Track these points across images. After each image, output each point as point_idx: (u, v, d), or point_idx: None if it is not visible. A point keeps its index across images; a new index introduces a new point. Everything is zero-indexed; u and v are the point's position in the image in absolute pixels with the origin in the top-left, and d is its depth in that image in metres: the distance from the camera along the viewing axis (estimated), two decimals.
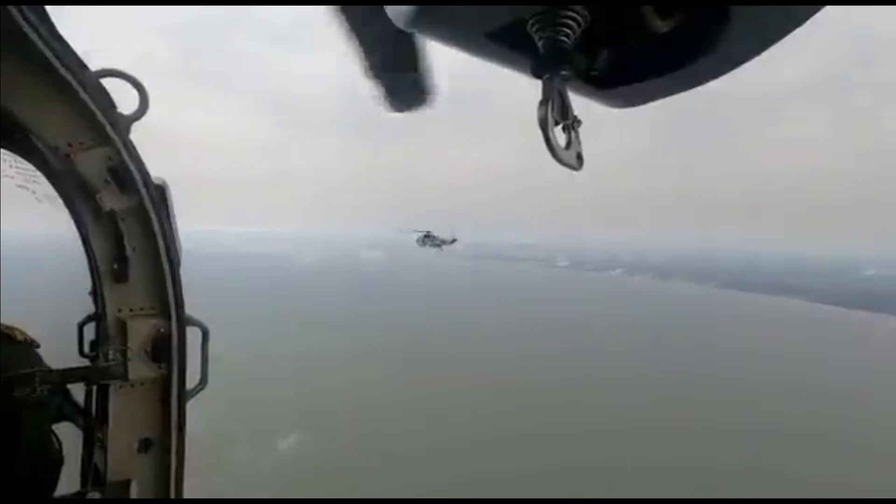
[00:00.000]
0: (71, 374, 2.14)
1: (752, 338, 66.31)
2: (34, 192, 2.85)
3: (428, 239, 79.17)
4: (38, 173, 2.69)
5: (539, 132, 1.22)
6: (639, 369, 50.53)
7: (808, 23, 1.16)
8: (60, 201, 2.64)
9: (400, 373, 46.56)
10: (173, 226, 2.04)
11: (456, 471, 30.74)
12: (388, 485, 28.78)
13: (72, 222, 2.68)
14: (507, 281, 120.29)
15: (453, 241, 79.34)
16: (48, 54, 1.71)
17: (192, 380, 2.12)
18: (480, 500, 28.05)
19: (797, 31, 1.19)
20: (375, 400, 39.64)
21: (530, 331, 64.97)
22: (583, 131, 1.37)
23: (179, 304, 2.02)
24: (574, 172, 1.25)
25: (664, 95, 1.45)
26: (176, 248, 2.00)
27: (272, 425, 34.85)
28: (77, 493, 2.04)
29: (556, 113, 1.18)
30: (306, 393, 40.53)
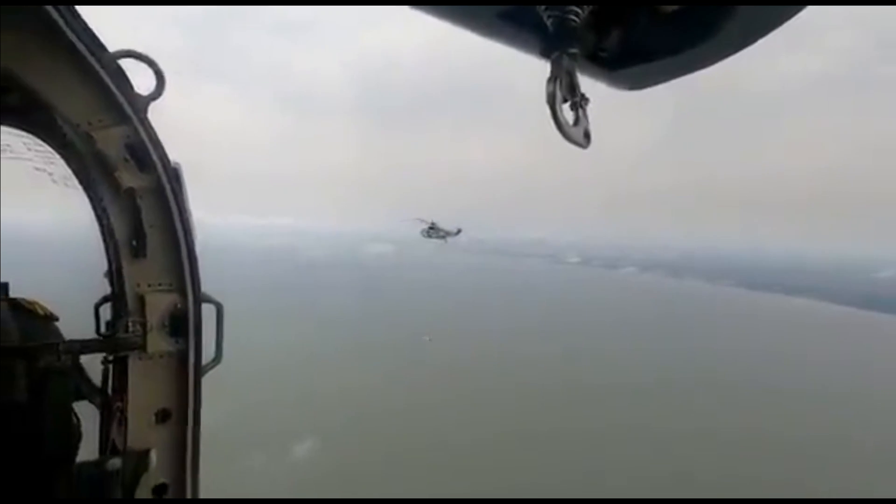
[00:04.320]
0: (93, 344, 2.23)
1: (768, 339, 64.83)
2: (51, 174, 2.92)
3: (432, 231, 78.65)
4: (54, 156, 2.76)
5: (550, 124, 1.24)
6: (654, 372, 49.41)
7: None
8: (75, 183, 2.71)
9: (403, 372, 45.82)
10: (188, 206, 2.09)
11: (467, 474, 30.44)
12: (397, 485, 28.56)
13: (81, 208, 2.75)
14: (515, 278, 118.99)
15: (458, 232, 78.80)
16: (70, 35, 1.77)
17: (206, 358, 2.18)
18: (480, 500, 27.90)
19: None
20: (381, 400, 39.26)
21: (539, 330, 63.69)
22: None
23: (195, 280, 2.08)
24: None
25: (670, 78, 1.47)
26: (191, 227, 2.05)
27: (283, 427, 34.73)
28: (98, 461, 2.12)
29: (564, 90, 1.20)
30: (314, 394, 40.01)
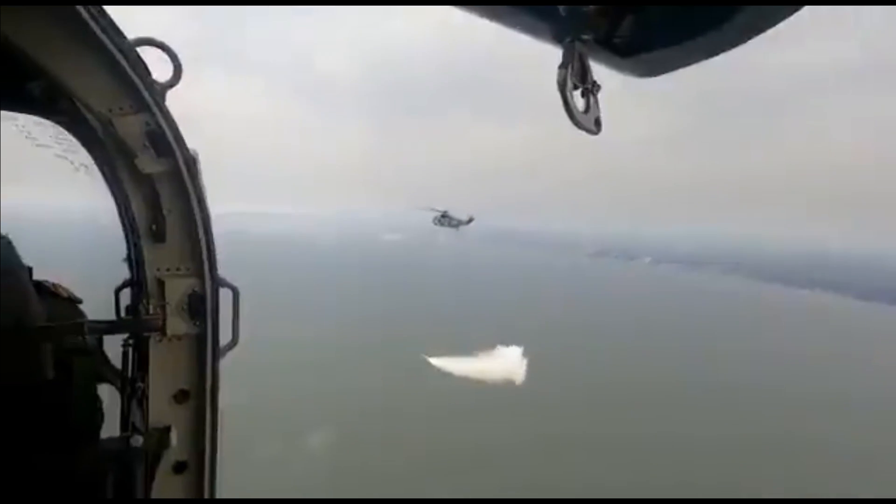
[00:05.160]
0: (116, 325, 2.34)
1: (796, 338, 61.17)
2: (72, 162, 2.99)
3: (444, 219, 78.43)
4: (75, 144, 2.82)
5: (562, 111, 1.24)
6: (676, 374, 47.32)
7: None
8: (95, 170, 2.78)
9: (423, 365, 45.35)
10: (204, 192, 2.14)
11: (481, 470, 29.92)
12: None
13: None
14: (529, 269, 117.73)
15: (469, 220, 78.46)
16: (92, 24, 1.81)
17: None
18: (480, 500, 27.59)
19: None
20: (398, 398, 38.17)
21: (555, 326, 61.24)
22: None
23: (213, 264, 2.14)
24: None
25: (685, 64, 1.45)
26: (208, 212, 2.11)
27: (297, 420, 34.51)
28: (121, 437, 2.20)
29: (575, 77, 1.20)
30: (333, 390, 39.37)
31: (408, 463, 31.15)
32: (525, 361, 44.80)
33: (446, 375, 41.16)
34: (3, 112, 2.58)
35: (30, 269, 2.33)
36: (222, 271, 2.17)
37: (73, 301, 2.39)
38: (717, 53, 1.37)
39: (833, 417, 38.35)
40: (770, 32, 1.38)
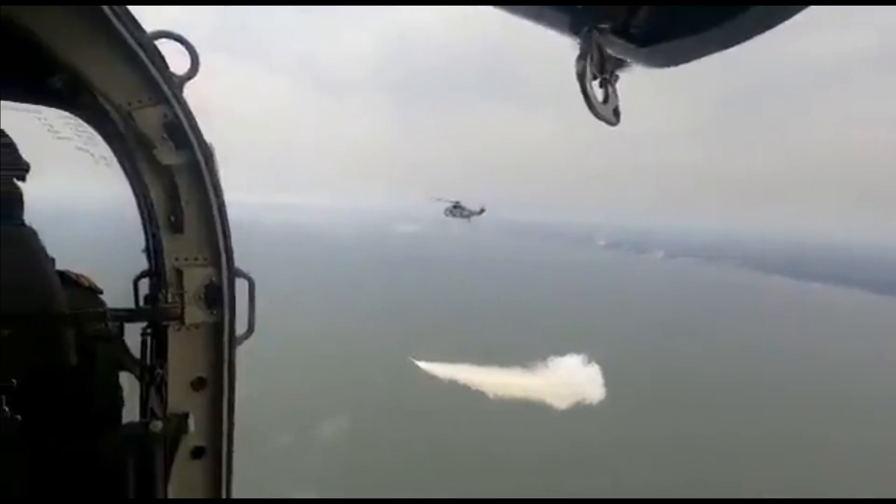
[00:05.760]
0: (136, 313, 2.40)
1: (820, 335, 59.57)
2: (92, 154, 3.04)
3: (456, 210, 78.19)
4: (95, 136, 2.87)
5: (579, 102, 1.23)
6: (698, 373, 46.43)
7: None
8: (114, 162, 2.82)
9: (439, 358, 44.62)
10: (221, 183, 2.17)
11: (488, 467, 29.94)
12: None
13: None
14: (544, 262, 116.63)
15: (481, 211, 78.07)
16: (112, 18, 1.84)
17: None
18: (481, 499, 27.65)
19: None
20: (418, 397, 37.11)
21: (569, 323, 61.36)
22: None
23: (229, 255, 2.18)
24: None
25: (703, 54, 1.42)
26: (224, 204, 2.13)
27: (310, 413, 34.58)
28: (142, 422, 2.26)
29: (594, 67, 1.19)
30: (347, 385, 39.31)
31: (407, 461, 31.10)
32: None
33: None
34: (28, 105, 2.63)
35: (52, 260, 2.38)
36: (237, 262, 2.20)
37: (95, 291, 2.45)
38: (734, 44, 1.34)
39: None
40: (788, 22, 1.35)
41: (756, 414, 39.05)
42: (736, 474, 30.76)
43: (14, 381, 1.93)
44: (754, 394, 42.52)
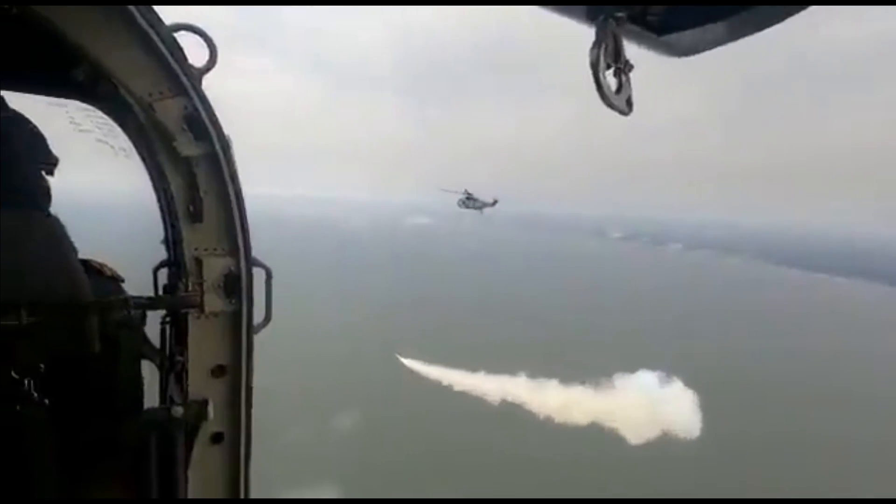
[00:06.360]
0: (158, 301, 2.46)
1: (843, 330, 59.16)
2: (112, 146, 3.09)
3: (469, 201, 78.26)
4: (115, 128, 2.91)
5: (592, 92, 1.22)
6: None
7: None
8: (133, 154, 2.86)
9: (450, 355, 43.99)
10: (238, 174, 2.20)
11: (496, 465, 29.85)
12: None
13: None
14: (557, 255, 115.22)
15: (494, 202, 78.11)
16: (133, 10, 1.88)
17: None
18: (480, 499, 27.63)
19: None
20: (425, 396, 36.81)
21: (589, 320, 59.86)
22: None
23: (247, 245, 2.22)
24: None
25: (722, 43, 1.40)
26: (242, 194, 2.17)
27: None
28: (163, 408, 2.32)
29: (608, 56, 1.18)
30: (359, 381, 39.39)
31: (408, 460, 31.35)
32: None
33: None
34: (51, 98, 2.68)
35: (75, 250, 2.43)
36: (254, 252, 2.24)
37: (117, 280, 2.50)
38: (750, 33, 1.33)
39: None
40: (805, 11, 1.33)
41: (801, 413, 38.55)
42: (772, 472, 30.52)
43: (42, 366, 1.99)
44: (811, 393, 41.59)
